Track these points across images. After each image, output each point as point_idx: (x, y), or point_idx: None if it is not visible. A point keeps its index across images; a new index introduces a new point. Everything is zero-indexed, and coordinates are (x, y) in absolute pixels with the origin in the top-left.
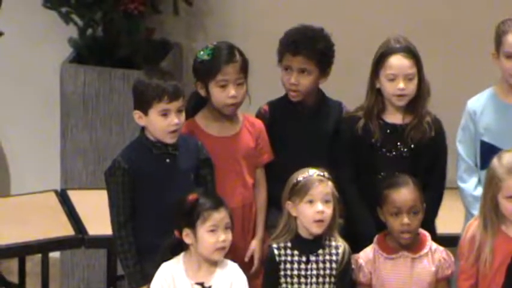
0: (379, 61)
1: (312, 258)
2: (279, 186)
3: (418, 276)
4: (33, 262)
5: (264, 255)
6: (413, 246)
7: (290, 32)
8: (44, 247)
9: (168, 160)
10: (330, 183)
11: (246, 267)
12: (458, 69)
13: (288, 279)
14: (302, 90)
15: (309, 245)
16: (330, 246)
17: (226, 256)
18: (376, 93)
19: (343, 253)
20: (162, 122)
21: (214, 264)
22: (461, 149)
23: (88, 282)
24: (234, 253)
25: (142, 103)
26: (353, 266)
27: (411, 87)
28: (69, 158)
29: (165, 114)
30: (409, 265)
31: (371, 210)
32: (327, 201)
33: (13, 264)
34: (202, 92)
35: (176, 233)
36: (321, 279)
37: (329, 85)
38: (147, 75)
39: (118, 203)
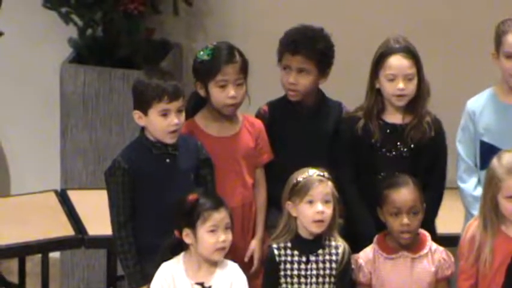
0: (379, 61)
1: (312, 258)
2: (279, 186)
3: (418, 277)
4: (33, 262)
5: (263, 255)
6: (413, 246)
7: (290, 31)
8: (44, 247)
9: (168, 160)
10: (329, 183)
11: (245, 267)
12: (458, 69)
13: (288, 279)
14: (301, 90)
15: (308, 245)
16: (329, 246)
17: (226, 256)
18: (375, 94)
19: (343, 253)
20: (162, 122)
21: (214, 264)
22: (461, 149)
23: (88, 283)
24: (234, 253)
25: (142, 103)
26: (353, 266)
27: (411, 88)
28: (69, 158)
29: (165, 114)
30: (409, 265)
31: (371, 210)
32: (326, 202)
33: (13, 264)
34: (201, 92)
35: (176, 233)
36: (320, 279)
37: (329, 85)
38: (147, 75)
39: (118, 203)
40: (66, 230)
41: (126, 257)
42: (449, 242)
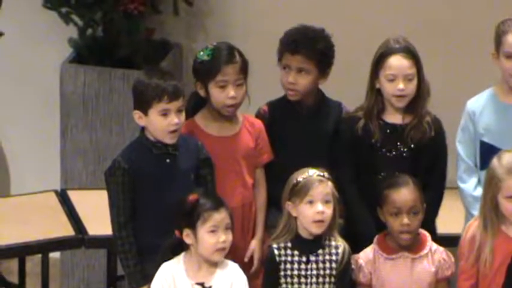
0: (379, 61)
1: (312, 258)
2: (279, 186)
3: (418, 277)
4: (33, 262)
5: (263, 255)
6: (413, 246)
7: (290, 31)
8: (44, 247)
9: (168, 160)
10: (329, 183)
11: (245, 267)
12: (458, 69)
13: (288, 279)
14: (300, 89)
15: (309, 245)
16: (329, 246)
17: (226, 256)
18: (376, 94)
19: (343, 253)
20: (162, 122)
21: (215, 264)
22: (461, 149)
23: (88, 283)
24: (234, 253)
25: (142, 103)
26: (353, 267)
27: (411, 88)
28: (69, 158)
29: (165, 114)
30: (409, 265)
31: (371, 211)
32: (327, 202)
33: (13, 264)
34: (201, 93)
35: (177, 233)
36: (321, 279)
37: (329, 85)
38: (146, 75)
39: (118, 203)
40: (66, 230)
41: (127, 257)
42: (449, 242)
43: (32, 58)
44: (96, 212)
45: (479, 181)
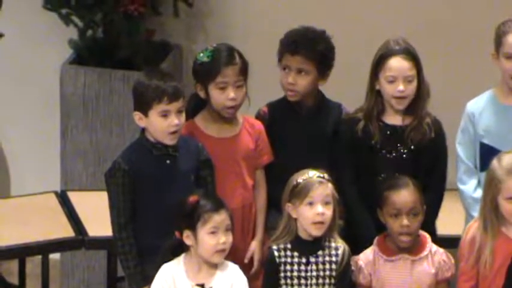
0: (379, 63)
1: (312, 259)
2: (279, 187)
3: (418, 278)
4: (33, 263)
5: (263, 256)
6: (413, 248)
7: (291, 32)
8: (44, 248)
9: (168, 161)
10: (329, 184)
11: (245, 268)
12: (458, 70)
13: (288, 281)
14: (299, 90)
15: (308, 247)
16: (329, 247)
17: (226, 257)
18: (375, 95)
19: (343, 254)
20: (162, 123)
21: (215, 265)
22: (460, 151)
23: (88, 284)
24: (234, 254)
25: (142, 104)
26: (353, 268)
27: (411, 89)
28: (69, 159)
29: (165, 115)
30: (409, 267)
31: (371, 212)
32: (327, 203)
33: (13, 265)
34: (201, 94)
35: (177, 234)
36: (320, 281)
37: (329, 86)
38: (146, 77)
39: (118, 204)
40: (66, 231)
41: (127, 258)
42: (449, 243)
43: (32, 59)
44: (96, 213)
45: (479, 183)
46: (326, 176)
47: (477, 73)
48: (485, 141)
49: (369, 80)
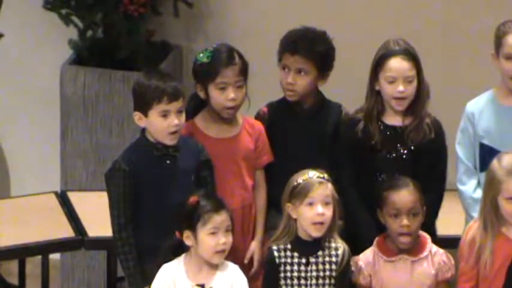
0: (379, 63)
1: (312, 260)
2: (279, 187)
3: (418, 279)
4: (33, 264)
5: (263, 257)
6: (413, 249)
7: (291, 32)
8: (44, 249)
9: (168, 162)
10: (329, 185)
11: (245, 268)
12: (458, 70)
13: (288, 281)
14: (298, 90)
15: (308, 247)
16: (329, 247)
17: (226, 258)
18: (375, 95)
19: (343, 255)
20: (162, 123)
21: (215, 266)
22: (460, 152)
23: (88, 284)
24: (234, 254)
25: (142, 104)
26: (353, 269)
27: (411, 90)
28: (69, 159)
29: (165, 115)
30: (409, 268)
31: (371, 212)
32: (327, 203)
33: (13, 265)
34: (201, 94)
35: (177, 234)
36: (320, 281)
37: (328, 87)
38: (146, 77)
39: (118, 204)
40: (66, 231)
41: (127, 258)
42: (449, 244)
43: (32, 59)
44: (96, 214)
45: (478, 183)
46: (326, 176)
47: (477, 73)
48: (485, 141)
49: (368, 81)
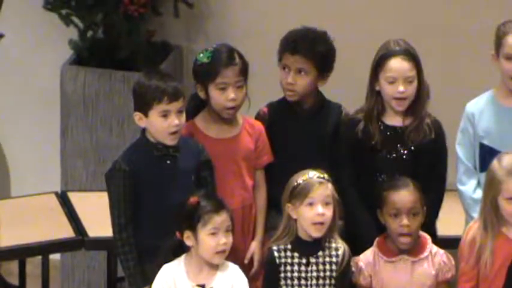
0: (379, 63)
1: (312, 260)
2: (279, 188)
3: (418, 280)
4: (33, 264)
5: (263, 257)
6: (414, 249)
7: (292, 32)
8: (44, 249)
9: (168, 162)
10: (330, 185)
11: (245, 269)
12: (458, 71)
13: (288, 282)
14: (298, 90)
15: (308, 247)
16: (329, 248)
17: (226, 258)
18: (376, 96)
19: (343, 255)
20: (163, 123)
21: (215, 266)
22: (460, 152)
23: (88, 284)
24: (234, 255)
25: (143, 104)
26: (353, 269)
27: (411, 90)
28: (69, 159)
29: (165, 115)
30: (409, 268)
31: (371, 213)
32: (327, 204)
33: (13, 266)
34: (201, 95)
35: (177, 234)
36: (321, 281)
37: (329, 87)
38: (146, 77)
39: (119, 205)
40: (66, 231)
41: (127, 259)
42: (449, 244)
43: (32, 60)
44: (97, 214)
45: (478, 183)
46: (326, 176)
47: (477, 73)
48: (485, 142)
49: (369, 81)
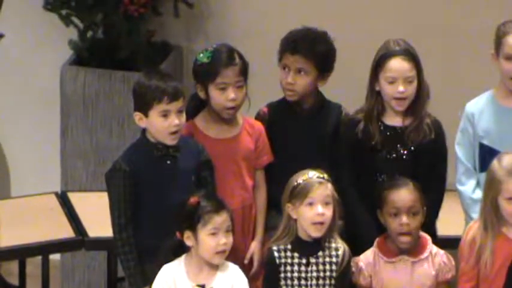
0: (379, 64)
1: (312, 260)
2: (279, 188)
3: (418, 280)
4: (33, 264)
5: (263, 257)
6: (414, 249)
7: (292, 32)
8: (44, 249)
9: (169, 162)
10: (329, 185)
11: (245, 269)
12: (458, 71)
13: (288, 282)
14: (298, 90)
15: (308, 247)
16: (329, 248)
17: (226, 258)
18: (375, 96)
19: (343, 255)
20: (163, 123)
21: (216, 266)
22: (460, 152)
23: (88, 284)
24: (234, 255)
25: (143, 104)
26: (353, 269)
27: (411, 90)
28: (69, 159)
29: (165, 115)
30: (409, 269)
31: (371, 213)
32: (327, 204)
33: (13, 266)
34: (201, 95)
35: (178, 234)
36: (321, 281)
37: (329, 87)
38: (146, 77)
39: (119, 205)
40: (66, 231)
41: (127, 259)
42: (449, 244)
43: (32, 60)
44: (97, 214)
45: (478, 183)
46: (326, 176)
47: (477, 73)
48: (485, 142)
49: (369, 81)
